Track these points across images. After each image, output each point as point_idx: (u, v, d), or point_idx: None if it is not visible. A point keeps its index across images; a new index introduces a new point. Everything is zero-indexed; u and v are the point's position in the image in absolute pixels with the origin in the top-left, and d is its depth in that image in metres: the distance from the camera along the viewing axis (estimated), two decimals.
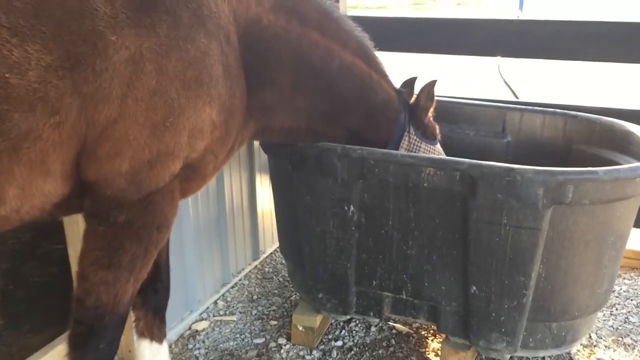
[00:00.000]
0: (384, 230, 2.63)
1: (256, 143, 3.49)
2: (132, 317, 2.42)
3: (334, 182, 2.58)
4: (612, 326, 3.12)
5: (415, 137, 2.69)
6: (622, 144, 2.88)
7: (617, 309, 3.26)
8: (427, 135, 2.76)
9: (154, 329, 2.44)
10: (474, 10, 18.63)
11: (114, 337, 2.00)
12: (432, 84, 2.72)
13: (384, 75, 2.64)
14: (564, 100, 3.47)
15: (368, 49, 2.56)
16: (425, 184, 2.45)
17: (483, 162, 2.34)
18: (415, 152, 2.66)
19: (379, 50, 3.50)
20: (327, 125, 2.51)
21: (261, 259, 3.86)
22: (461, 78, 9.41)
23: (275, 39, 2.16)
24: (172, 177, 1.88)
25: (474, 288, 2.52)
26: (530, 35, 3.56)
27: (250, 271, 3.73)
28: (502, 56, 3.96)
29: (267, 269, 3.77)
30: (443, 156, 2.70)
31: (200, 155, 1.95)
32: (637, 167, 2.31)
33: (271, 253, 3.98)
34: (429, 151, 2.70)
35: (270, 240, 3.98)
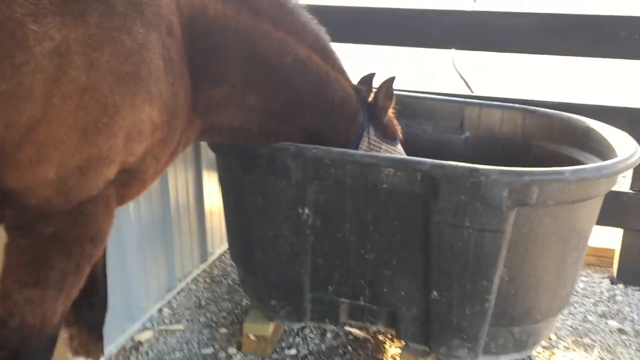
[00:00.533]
0: (340, 234, 2.48)
1: None
2: (65, 333, 2.20)
3: (287, 183, 2.41)
4: (571, 326, 3.07)
5: (374, 138, 2.54)
6: (582, 140, 2.81)
7: (575, 308, 3.22)
8: (388, 135, 2.60)
9: (91, 347, 2.22)
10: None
11: None
12: (390, 81, 2.56)
13: (341, 72, 2.47)
14: (523, 95, 3.38)
15: (325, 42, 2.38)
16: (384, 185, 2.31)
17: (446, 162, 2.21)
18: (376, 152, 2.50)
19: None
20: (281, 124, 2.33)
21: (209, 261, 3.65)
22: (414, 71, 9.35)
23: (223, 30, 1.96)
24: (106, 184, 1.67)
25: (435, 293, 2.40)
26: (487, 27, 3.46)
27: (198, 275, 3.52)
28: (457, 49, 3.85)
29: (215, 272, 3.57)
30: (404, 156, 2.56)
31: (139, 159, 1.74)
32: (602, 167, 2.23)
33: (220, 255, 3.77)
34: (390, 152, 2.55)
35: (219, 241, 3.77)
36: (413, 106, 3.22)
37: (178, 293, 3.31)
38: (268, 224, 2.54)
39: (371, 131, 2.54)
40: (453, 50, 4.06)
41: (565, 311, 3.16)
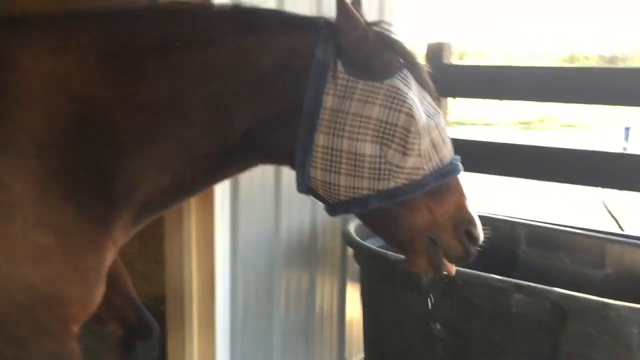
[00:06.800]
0: (469, 353, 2.61)
1: (350, 251, 3.57)
2: None
3: (420, 297, 2.63)
4: None
5: (345, 77, 1.78)
6: None
7: None
8: (371, 69, 1.80)
9: None
10: (581, 134, 18.38)
11: None
12: None
13: (268, 25, 1.85)
14: None
15: (239, 14, 1.87)
16: (513, 309, 2.44)
17: (575, 293, 2.31)
18: (349, 99, 1.77)
19: (477, 172, 3.58)
20: (216, 152, 1.86)
21: None
22: (562, 205, 9.18)
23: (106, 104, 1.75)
24: None
25: None
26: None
27: None
28: (603, 187, 3.89)
29: None
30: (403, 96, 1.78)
31: None
32: None
33: None
34: (374, 92, 1.77)
35: (355, 349, 3.98)
36: (552, 238, 3.32)
37: None
38: (401, 335, 2.74)
39: (340, 69, 1.79)
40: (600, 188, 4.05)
41: None
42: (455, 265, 2.00)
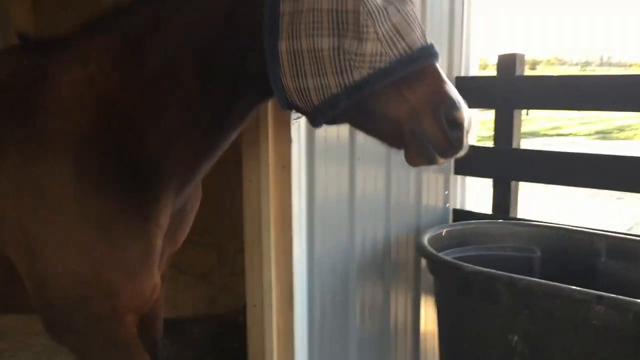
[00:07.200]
0: None
1: (423, 263, 3.60)
2: None
3: (498, 310, 2.62)
4: None
5: None
6: None
7: None
8: None
9: None
10: None
11: None
12: None
13: None
14: None
15: None
16: (594, 322, 2.40)
17: None
18: (298, 15, 1.75)
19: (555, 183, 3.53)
20: (214, 108, 1.96)
21: None
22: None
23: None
24: None
25: None
26: None
27: None
28: None
29: None
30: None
31: None
32: None
33: None
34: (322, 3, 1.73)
35: None
36: (633, 250, 3.22)
37: None
38: (478, 347, 2.74)
39: None
40: None
41: None
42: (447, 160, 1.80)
